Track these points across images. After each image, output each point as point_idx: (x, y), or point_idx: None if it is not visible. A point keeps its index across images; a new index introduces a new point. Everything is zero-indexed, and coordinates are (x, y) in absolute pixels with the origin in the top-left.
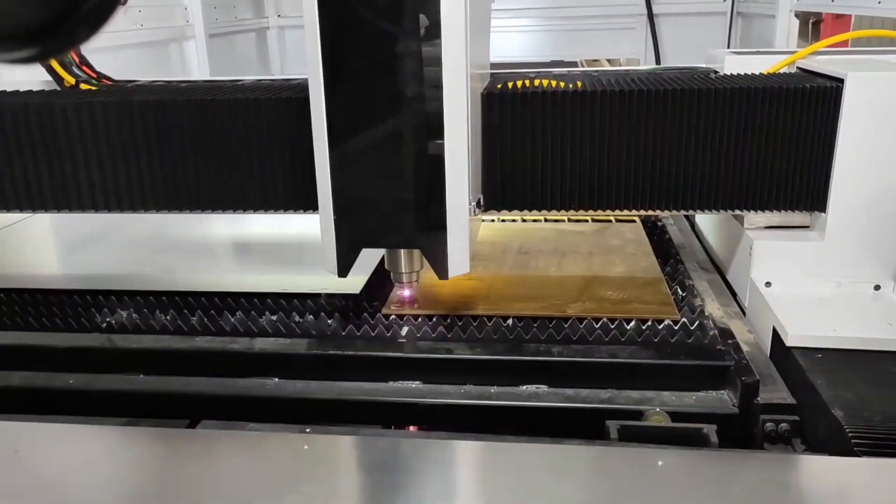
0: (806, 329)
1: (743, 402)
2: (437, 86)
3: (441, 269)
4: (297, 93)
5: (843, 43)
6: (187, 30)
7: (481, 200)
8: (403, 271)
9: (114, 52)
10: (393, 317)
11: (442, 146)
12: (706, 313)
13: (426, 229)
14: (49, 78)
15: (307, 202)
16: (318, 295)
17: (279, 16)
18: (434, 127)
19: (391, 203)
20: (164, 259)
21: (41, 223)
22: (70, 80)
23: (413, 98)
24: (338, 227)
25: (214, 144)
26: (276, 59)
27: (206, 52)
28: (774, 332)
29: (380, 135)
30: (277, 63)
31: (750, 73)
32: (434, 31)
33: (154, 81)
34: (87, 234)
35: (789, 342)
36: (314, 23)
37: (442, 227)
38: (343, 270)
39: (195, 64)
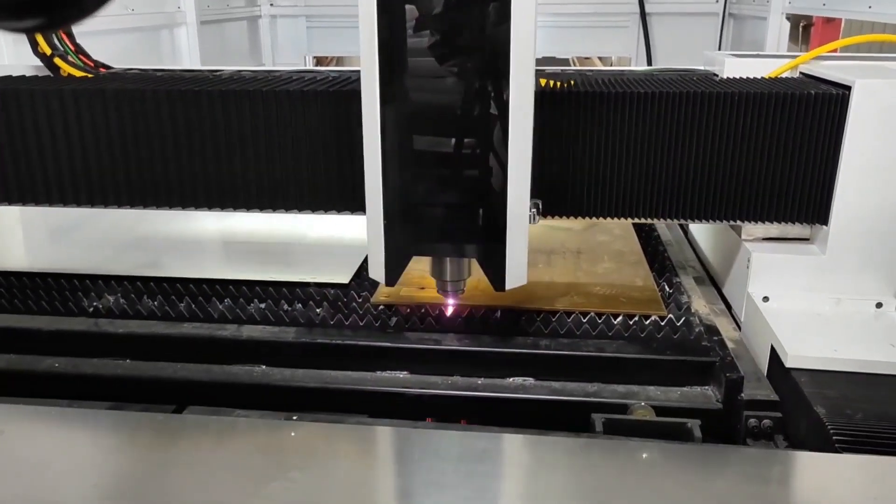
0: (806, 350)
1: (727, 397)
2: (503, 87)
3: (498, 279)
4: (302, 85)
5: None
6: (178, 16)
7: (540, 206)
8: (449, 279)
9: (103, 37)
10: (381, 307)
11: (505, 150)
12: (692, 310)
13: (483, 237)
14: (24, 62)
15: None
16: (307, 284)
17: (271, 4)
18: (498, 130)
19: (447, 209)
20: (146, 256)
21: (11, 213)
22: (46, 49)
23: (475, 99)
24: (388, 234)
25: (205, 138)
26: (267, 48)
27: (196, 39)
28: (773, 350)
29: (437, 137)
30: (269, 52)
31: (752, 78)
32: (502, 32)
33: (128, 70)
34: (72, 220)
35: (789, 363)
36: (372, 13)
37: (500, 235)
38: (391, 279)
39: (185, 51)
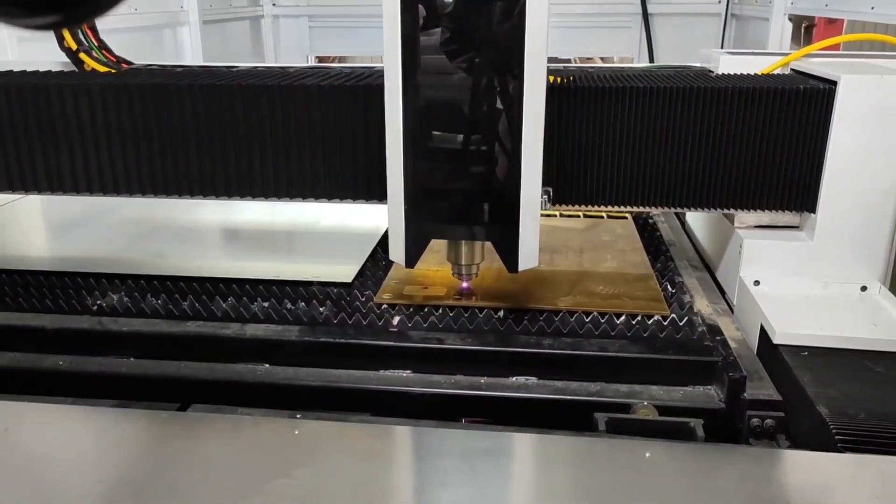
0: (793, 327)
1: (729, 397)
2: (517, 78)
3: (511, 261)
4: (321, 80)
5: (837, 46)
6: (181, 15)
7: (551, 193)
8: (464, 263)
9: (106, 36)
10: (385, 306)
11: (519, 138)
12: (695, 310)
13: (497, 221)
14: (40, 59)
15: (350, 191)
16: (311, 283)
17: (274, 4)
18: (511, 119)
19: (465, 194)
20: (155, 244)
21: (32, 205)
22: (72, 44)
23: (491, 89)
24: (408, 219)
25: (217, 131)
26: (269, 47)
27: (199, 38)
28: (762, 329)
29: (455, 126)
30: (271, 52)
31: (745, 74)
32: (517, 21)
33: (149, 65)
34: (77, 216)
35: (776, 340)
36: (396, 8)
37: (514, 219)
38: (411, 262)
39: (188, 50)
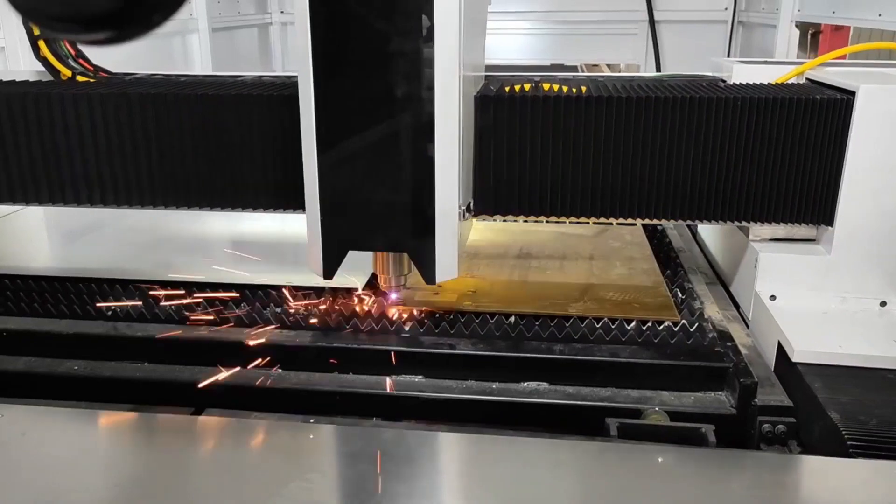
0: (812, 345)
1: (741, 403)
2: (430, 88)
3: (428, 273)
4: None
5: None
6: (190, 23)
7: (471, 205)
8: (391, 275)
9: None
10: (396, 312)
11: (433, 149)
12: (705, 316)
13: (414, 233)
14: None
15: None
16: (322, 289)
17: (282, 12)
18: (425, 129)
19: (380, 205)
20: (167, 250)
21: (37, 213)
22: (66, 72)
23: (404, 99)
24: (324, 228)
25: (212, 140)
26: (277, 55)
27: (208, 46)
28: (779, 346)
29: (369, 135)
30: (279, 59)
31: (759, 83)
32: (427, 32)
33: (153, 75)
34: (92, 223)
35: (795, 357)
36: (305, 18)
37: (431, 230)
38: (328, 272)
39: (197, 57)
